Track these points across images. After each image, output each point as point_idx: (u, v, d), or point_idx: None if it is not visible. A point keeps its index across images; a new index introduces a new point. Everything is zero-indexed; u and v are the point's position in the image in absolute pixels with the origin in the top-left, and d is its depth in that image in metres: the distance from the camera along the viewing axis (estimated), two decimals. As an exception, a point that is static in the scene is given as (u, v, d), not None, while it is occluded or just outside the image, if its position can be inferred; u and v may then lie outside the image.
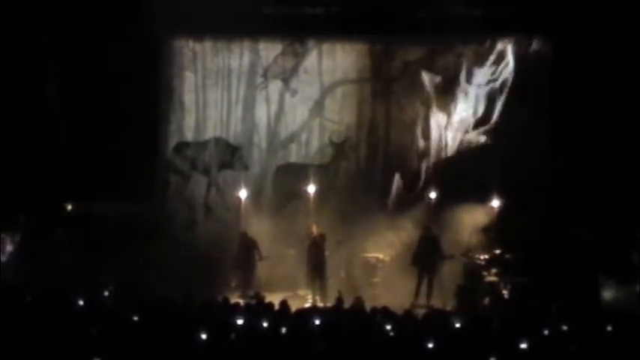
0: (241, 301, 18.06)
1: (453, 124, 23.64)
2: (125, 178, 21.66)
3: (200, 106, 24.16)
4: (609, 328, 14.23)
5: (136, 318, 14.25)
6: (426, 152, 23.77)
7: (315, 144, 24.13)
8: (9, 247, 21.33)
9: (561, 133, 22.02)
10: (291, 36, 23.83)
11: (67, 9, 21.95)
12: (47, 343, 12.78)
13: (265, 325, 14.18)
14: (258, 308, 15.78)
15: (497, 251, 20.72)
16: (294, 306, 16.41)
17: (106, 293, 17.35)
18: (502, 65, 23.30)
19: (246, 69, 24.05)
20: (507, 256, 20.62)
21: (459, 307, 19.05)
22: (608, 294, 19.70)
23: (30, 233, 21.43)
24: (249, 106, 24.13)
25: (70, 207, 22.45)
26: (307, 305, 19.54)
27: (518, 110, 22.63)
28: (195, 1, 22.03)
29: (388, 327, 14.20)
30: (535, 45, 22.84)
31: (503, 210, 21.41)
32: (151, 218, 22.37)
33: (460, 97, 23.59)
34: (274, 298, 16.63)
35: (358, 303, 16.82)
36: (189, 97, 24.12)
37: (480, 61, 23.48)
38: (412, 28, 22.75)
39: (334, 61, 23.87)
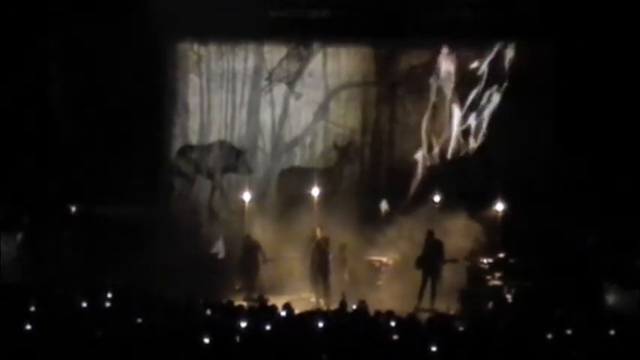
0: (245, 304, 18.08)
1: (458, 127, 23.64)
2: (129, 181, 21.68)
3: (204, 110, 24.19)
4: (612, 333, 14.22)
5: (139, 320, 14.27)
6: (430, 156, 23.77)
7: (319, 147, 24.15)
8: (12, 248, 21.34)
9: (565, 136, 22.03)
10: (296, 39, 23.86)
11: (73, 12, 22.01)
12: (50, 343, 12.79)
13: (269, 327, 14.19)
14: (261, 311, 15.78)
15: (501, 255, 20.71)
16: (297, 309, 16.42)
17: (110, 295, 17.33)
18: (505, 68, 23.29)
19: (250, 72, 24.09)
20: (511, 260, 20.61)
21: (463, 311, 19.05)
22: (611, 299, 19.68)
23: (34, 234, 21.45)
24: (253, 110, 24.16)
25: (74, 209, 22.46)
26: (311, 308, 19.50)
27: (522, 113, 22.62)
28: (199, 5, 22.04)
29: (392, 330, 14.20)
30: (538, 48, 22.80)
31: (507, 214, 21.40)
32: (155, 221, 22.40)
33: (464, 100, 23.60)
34: (278, 301, 16.64)
35: (362, 306, 16.83)
36: (193, 100, 24.16)
37: (483, 64, 23.48)
38: (416, 32, 22.77)
39: (339, 65, 23.90)
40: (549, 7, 21.97)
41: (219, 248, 22.45)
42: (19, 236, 21.39)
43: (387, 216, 22.52)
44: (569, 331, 14.42)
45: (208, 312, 15.43)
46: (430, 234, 20.91)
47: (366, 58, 23.83)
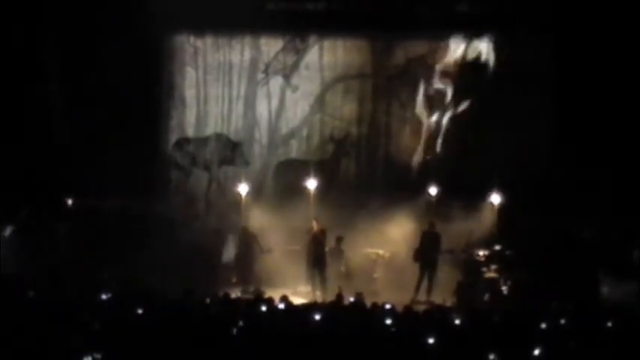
0: (241, 297, 18.09)
1: (455, 120, 23.65)
2: (126, 174, 21.66)
3: (201, 102, 24.20)
4: (609, 324, 14.25)
5: (136, 313, 14.28)
6: (426, 148, 23.80)
7: (315, 140, 24.19)
8: (9, 241, 21.31)
9: (562, 128, 22.05)
10: (293, 32, 23.88)
11: (70, 6, 22.00)
12: (47, 338, 12.79)
13: (265, 320, 14.21)
14: (258, 303, 15.79)
15: (497, 247, 20.74)
16: (294, 301, 16.43)
17: (107, 288, 17.32)
18: (503, 61, 23.29)
19: (247, 65, 24.11)
20: (507, 252, 20.64)
21: (459, 303, 19.07)
22: (607, 290, 19.70)
23: (30, 227, 21.43)
24: (250, 102, 24.18)
25: (70, 202, 22.46)
26: (307, 301, 19.51)
27: (519, 106, 22.63)
28: (196, -3, 22.10)
29: (388, 323, 14.21)
30: (535, 41, 22.79)
31: (503, 206, 21.43)
32: (151, 213, 22.40)
33: (461, 93, 23.61)
34: (274, 294, 16.64)
35: (359, 299, 16.84)
36: (190, 93, 24.18)
37: (480, 57, 23.49)
38: (413, 25, 22.79)
39: (335, 57, 23.92)
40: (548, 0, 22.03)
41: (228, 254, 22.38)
42: (12, 229, 21.35)
43: (382, 208, 22.53)
44: (564, 323, 14.46)
45: (205, 305, 15.43)
46: (431, 226, 20.91)
47: (363, 50, 23.86)
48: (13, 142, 21.78)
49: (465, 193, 21.72)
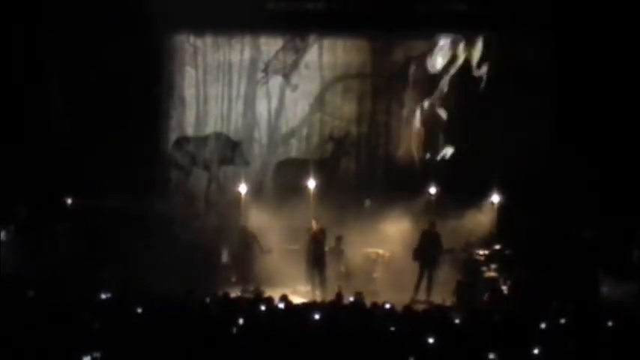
0: (241, 296, 18.08)
1: (454, 119, 23.65)
2: (126, 173, 21.67)
3: (201, 102, 24.21)
4: (609, 324, 14.25)
5: (136, 312, 14.28)
6: (426, 147, 23.79)
7: (315, 139, 24.19)
8: (9, 241, 21.30)
9: (562, 128, 22.05)
10: (292, 31, 23.89)
11: (70, 6, 22.01)
12: (47, 338, 12.79)
13: (265, 319, 14.21)
14: (257, 303, 15.79)
15: (497, 247, 20.74)
16: (293, 301, 16.42)
17: (107, 288, 17.32)
18: (503, 61, 23.28)
19: (246, 64, 24.12)
20: (507, 251, 20.64)
21: (459, 303, 19.07)
22: (607, 290, 19.70)
23: (30, 227, 21.43)
24: (249, 102, 24.18)
25: (70, 202, 22.46)
26: (307, 300, 19.50)
27: (519, 106, 22.63)
28: (196, -3, 22.11)
29: (388, 322, 14.21)
30: (535, 41, 22.79)
31: (503, 206, 21.44)
32: (151, 213, 22.40)
33: (461, 92, 23.61)
34: (274, 293, 16.64)
35: (358, 298, 16.84)
36: (189, 93, 24.19)
37: (480, 56, 23.50)
38: (413, 25, 22.80)
39: (335, 57, 23.92)
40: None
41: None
42: (12, 229, 21.35)
43: (382, 208, 22.52)
44: (564, 323, 14.46)
45: (205, 304, 15.43)
46: (432, 225, 20.91)
47: (362, 49, 23.86)
48: (13, 142, 21.78)
49: (465, 192, 21.72)
